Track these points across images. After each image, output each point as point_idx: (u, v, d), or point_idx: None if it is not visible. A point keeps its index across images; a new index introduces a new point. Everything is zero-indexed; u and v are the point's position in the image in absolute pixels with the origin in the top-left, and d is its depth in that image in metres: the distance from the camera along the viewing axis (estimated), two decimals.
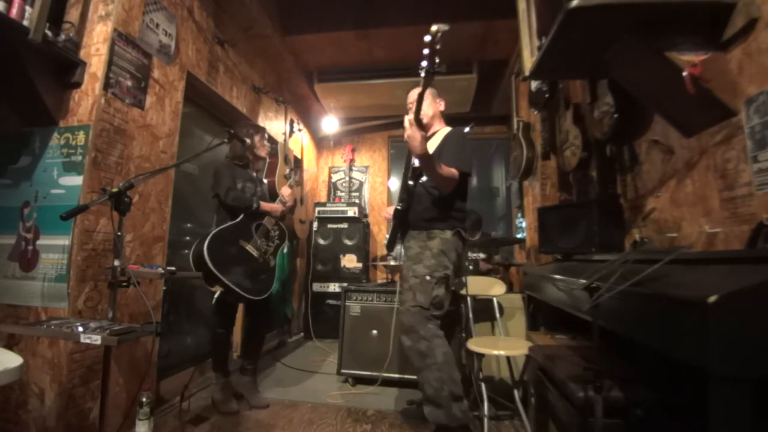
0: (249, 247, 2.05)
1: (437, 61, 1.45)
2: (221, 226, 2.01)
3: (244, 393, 2.17)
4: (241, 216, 2.09)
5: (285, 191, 2.30)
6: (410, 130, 1.63)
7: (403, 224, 1.93)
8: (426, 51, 1.43)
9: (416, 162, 1.92)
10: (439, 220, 1.83)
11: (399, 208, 1.91)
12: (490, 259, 3.32)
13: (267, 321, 2.28)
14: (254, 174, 2.31)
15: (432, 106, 1.97)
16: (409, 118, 1.64)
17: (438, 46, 1.41)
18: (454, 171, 1.75)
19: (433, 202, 1.84)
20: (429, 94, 1.94)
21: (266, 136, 2.35)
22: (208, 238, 1.90)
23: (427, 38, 1.39)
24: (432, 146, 1.88)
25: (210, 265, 1.82)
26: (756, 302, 0.67)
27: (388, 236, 2.06)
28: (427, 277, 1.74)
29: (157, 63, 2.03)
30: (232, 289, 1.90)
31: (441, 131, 1.97)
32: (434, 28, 1.36)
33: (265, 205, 2.17)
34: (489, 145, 5.94)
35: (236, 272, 1.95)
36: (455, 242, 1.83)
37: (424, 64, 1.46)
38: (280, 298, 3.66)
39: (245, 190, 2.15)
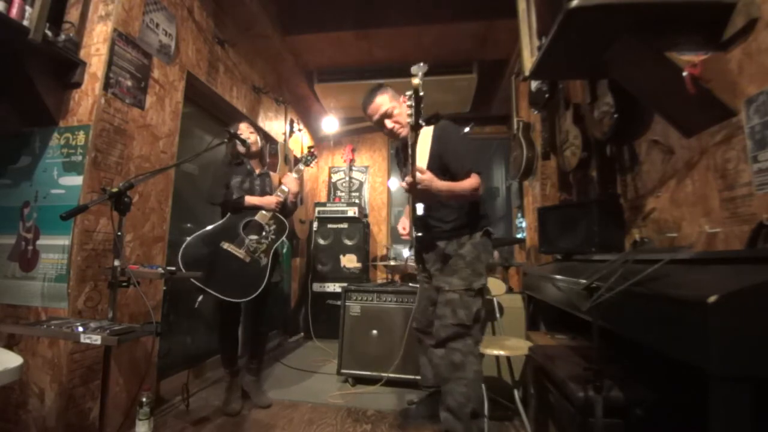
0: (230, 248, 1.97)
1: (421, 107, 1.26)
2: (200, 231, 1.99)
3: (249, 391, 2.18)
4: (228, 215, 2.07)
5: (287, 179, 2.16)
6: (422, 184, 1.42)
7: (424, 232, 1.75)
8: (410, 104, 1.25)
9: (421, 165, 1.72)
10: (464, 224, 1.69)
11: (420, 235, 1.71)
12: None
13: (263, 320, 2.18)
14: (256, 169, 2.23)
15: (402, 108, 1.69)
16: (408, 181, 1.42)
17: (421, 94, 1.23)
18: (473, 180, 1.57)
19: (454, 211, 1.70)
20: (389, 97, 1.73)
21: (253, 126, 2.28)
22: (184, 244, 1.92)
23: (409, 93, 1.24)
24: (425, 148, 1.68)
25: (183, 271, 1.81)
26: (756, 302, 0.67)
27: (412, 248, 1.91)
28: (466, 291, 1.62)
29: (157, 63, 2.03)
30: (209, 293, 1.89)
31: (423, 129, 1.68)
32: (415, 81, 1.20)
33: (252, 199, 2.07)
34: (489, 145, 5.93)
35: (214, 275, 1.88)
36: (485, 243, 1.70)
37: (410, 118, 1.27)
38: (280, 297, 3.65)
39: (233, 187, 2.12)
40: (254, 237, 2.03)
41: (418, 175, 1.42)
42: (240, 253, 1.98)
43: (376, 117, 1.74)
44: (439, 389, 1.74)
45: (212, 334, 2.73)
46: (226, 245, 1.98)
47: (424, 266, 1.84)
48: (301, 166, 2.30)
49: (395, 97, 1.75)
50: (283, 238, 2.08)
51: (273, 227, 2.07)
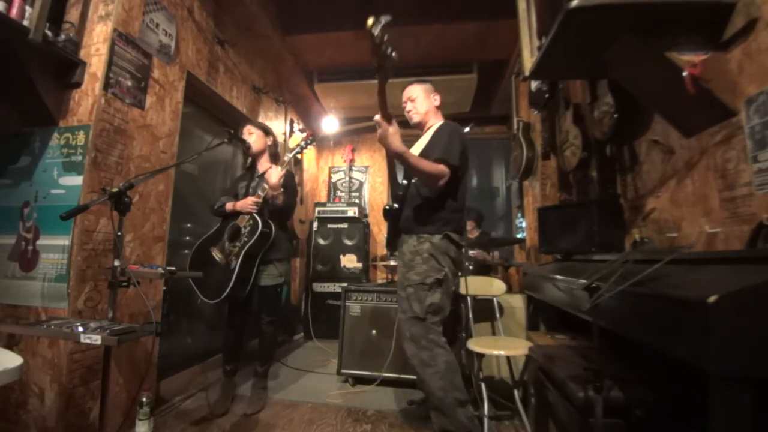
0: (214, 252, 2.06)
1: (387, 52, 1.48)
2: (204, 236, 2.13)
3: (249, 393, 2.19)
4: (221, 221, 2.15)
5: (269, 174, 2.03)
6: (380, 129, 1.56)
7: (396, 226, 1.88)
8: (371, 47, 1.43)
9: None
10: (429, 222, 1.75)
11: (387, 207, 1.87)
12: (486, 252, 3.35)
13: (263, 322, 2.16)
14: (261, 170, 2.21)
15: (425, 102, 1.90)
16: (376, 117, 1.57)
17: (378, 39, 1.44)
18: (440, 166, 1.65)
19: (423, 203, 1.77)
20: (422, 89, 1.92)
21: (254, 125, 2.25)
22: (192, 250, 2.11)
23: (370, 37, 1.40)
24: (424, 142, 1.85)
25: (189, 275, 1.95)
26: (756, 302, 0.67)
27: (386, 236, 2.01)
28: (420, 285, 1.69)
29: (157, 63, 2.03)
30: (198, 295, 2.03)
31: (434, 126, 1.89)
32: (369, 21, 1.41)
33: (231, 205, 2.10)
34: (489, 145, 5.94)
35: (205, 278, 1.97)
36: (446, 246, 1.75)
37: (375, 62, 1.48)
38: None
39: (239, 193, 2.16)
40: (233, 240, 2.05)
41: (378, 119, 1.58)
42: (219, 257, 2.05)
43: (404, 97, 1.96)
44: None
45: (212, 334, 2.74)
46: (212, 250, 2.07)
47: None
48: (285, 158, 2.13)
49: (427, 92, 1.95)
50: (255, 237, 1.97)
51: (247, 229, 2.03)
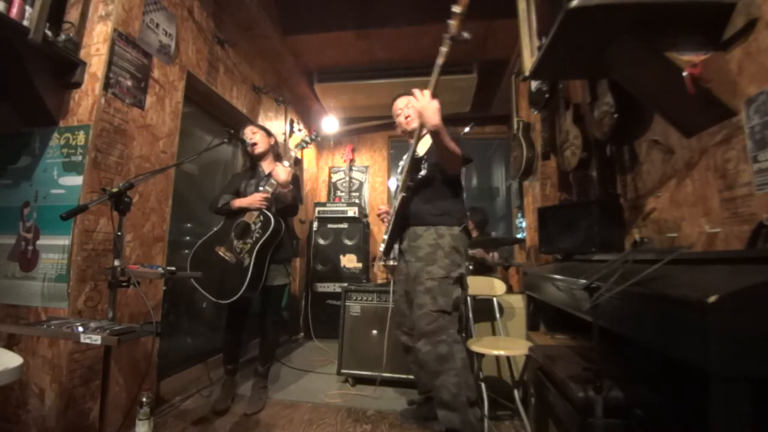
0: (222, 251, 2.02)
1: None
2: (206, 236, 2.09)
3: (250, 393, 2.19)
4: (224, 219, 2.12)
5: (276, 170, 2.05)
6: (423, 99, 1.55)
7: (403, 219, 1.85)
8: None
9: (419, 152, 1.88)
10: (447, 214, 1.77)
11: (405, 195, 1.81)
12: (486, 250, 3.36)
13: (266, 323, 2.17)
14: (266, 170, 2.21)
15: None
16: (425, 91, 1.58)
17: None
18: (458, 149, 1.70)
19: (439, 195, 1.80)
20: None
21: (256, 126, 2.26)
22: (192, 250, 2.06)
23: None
24: (425, 146, 1.88)
25: (189, 275, 1.91)
26: (756, 302, 0.67)
27: (386, 238, 1.92)
28: (445, 279, 1.68)
29: (157, 63, 2.03)
30: (206, 296, 2.00)
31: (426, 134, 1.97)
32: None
33: (237, 201, 2.08)
34: (489, 145, 5.94)
35: (210, 278, 1.94)
36: (463, 239, 1.79)
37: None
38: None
39: (242, 193, 2.15)
40: (241, 238, 2.02)
41: (419, 94, 1.60)
42: (228, 255, 2.01)
43: (403, 104, 1.97)
44: None
45: (212, 334, 2.74)
46: (218, 249, 2.03)
47: (402, 257, 1.92)
48: (292, 153, 2.19)
49: None
50: (269, 233, 1.97)
51: (258, 225, 2.02)
